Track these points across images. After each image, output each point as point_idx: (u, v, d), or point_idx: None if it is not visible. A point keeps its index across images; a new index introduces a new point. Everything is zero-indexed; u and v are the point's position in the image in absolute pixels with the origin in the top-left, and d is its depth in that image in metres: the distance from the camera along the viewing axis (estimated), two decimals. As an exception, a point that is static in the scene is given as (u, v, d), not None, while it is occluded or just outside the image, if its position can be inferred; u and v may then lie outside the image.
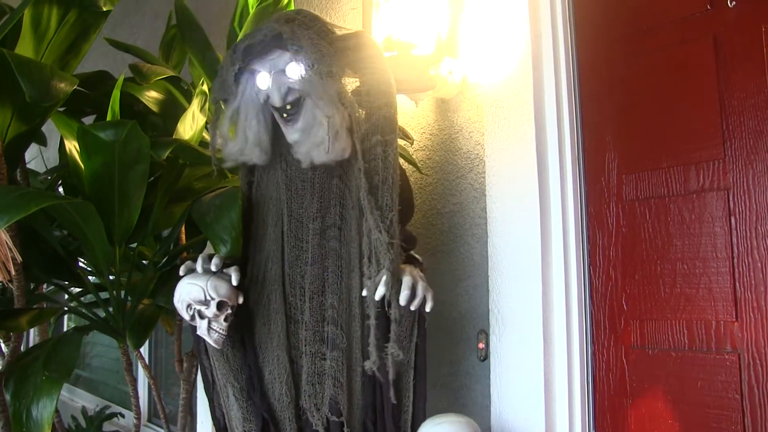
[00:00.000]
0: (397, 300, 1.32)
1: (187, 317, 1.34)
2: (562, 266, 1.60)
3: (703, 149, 1.46)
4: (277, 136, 1.46)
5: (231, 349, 1.43)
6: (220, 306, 1.32)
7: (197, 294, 1.32)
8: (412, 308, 1.34)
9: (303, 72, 1.36)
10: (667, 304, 1.50)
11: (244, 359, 1.44)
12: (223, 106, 1.45)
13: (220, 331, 1.33)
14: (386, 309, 1.33)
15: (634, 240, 1.56)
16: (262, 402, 1.42)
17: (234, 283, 1.35)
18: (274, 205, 1.49)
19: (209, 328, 1.33)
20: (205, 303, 1.32)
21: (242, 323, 1.44)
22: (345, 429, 1.39)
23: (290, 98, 1.38)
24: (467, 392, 1.74)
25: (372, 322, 1.33)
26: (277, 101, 1.38)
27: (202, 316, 1.33)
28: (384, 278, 1.32)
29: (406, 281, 1.34)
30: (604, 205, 1.61)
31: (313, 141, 1.37)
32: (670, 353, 1.48)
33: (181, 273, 1.37)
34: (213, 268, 1.35)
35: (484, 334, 1.70)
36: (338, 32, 1.44)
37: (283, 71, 1.38)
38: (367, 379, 1.41)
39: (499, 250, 1.68)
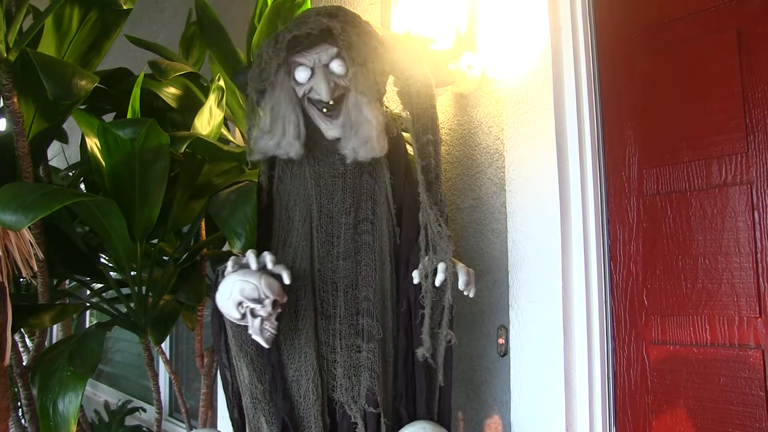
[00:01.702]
0: (456, 286, 1.38)
1: (237, 316, 1.30)
2: (582, 261, 1.59)
3: (726, 143, 1.44)
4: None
5: (255, 349, 1.41)
6: (274, 305, 1.30)
7: (251, 292, 1.28)
8: (466, 293, 1.41)
9: (352, 68, 1.36)
10: (688, 300, 1.48)
11: (268, 359, 1.43)
12: (254, 99, 1.45)
13: (273, 330, 1.31)
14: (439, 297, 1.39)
15: (655, 235, 1.54)
16: (284, 403, 1.41)
17: (287, 281, 1.32)
18: (302, 200, 1.48)
19: (261, 327, 1.30)
20: (260, 301, 1.29)
21: None
22: (382, 419, 1.41)
23: (336, 93, 1.39)
24: (487, 387, 1.74)
25: (427, 311, 1.37)
26: (325, 95, 1.38)
27: (254, 315, 1.29)
28: (443, 266, 1.36)
29: (463, 268, 1.40)
30: (624, 199, 1.60)
31: (361, 138, 1.39)
32: (692, 349, 1.47)
33: (229, 269, 1.32)
34: (269, 264, 1.32)
35: (504, 329, 1.69)
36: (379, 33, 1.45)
37: (327, 66, 1.38)
38: (401, 368, 1.44)
39: (518, 246, 1.67)
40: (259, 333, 1.30)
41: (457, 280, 1.40)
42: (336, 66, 1.39)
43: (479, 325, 1.77)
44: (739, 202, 1.41)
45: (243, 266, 1.33)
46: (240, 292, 1.28)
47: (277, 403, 1.41)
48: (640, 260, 1.56)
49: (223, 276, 1.35)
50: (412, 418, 1.45)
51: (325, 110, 1.41)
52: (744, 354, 1.39)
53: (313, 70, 1.40)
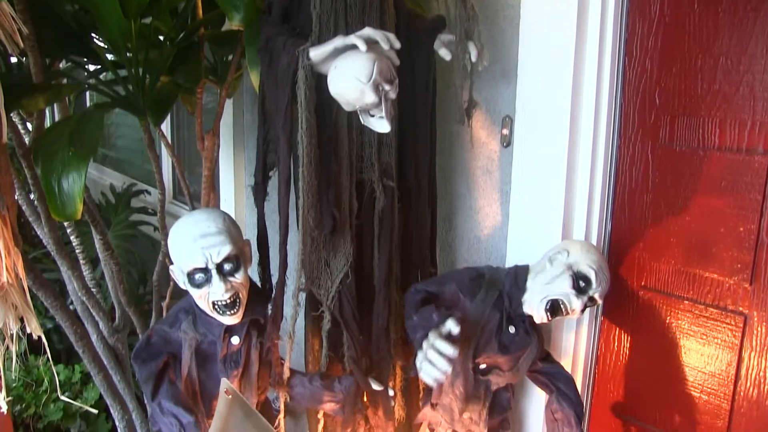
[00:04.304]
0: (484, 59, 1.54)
1: (375, 99, 1.24)
2: (596, 54, 1.52)
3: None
4: None
5: (316, 140, 1.39)
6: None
7: (387, 72, 1.23)
8: (480, 68, 1.57)
9: None
10: (702, 101, 1.43)
11: (323, 151, 1.42)
12: None
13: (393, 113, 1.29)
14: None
15: (676, 30, 1.45)
16: (335, 199, 1.44)
17: (396, 63, 1.30)
18: None
19: (388, 110, 1.27)
20: (391, 82, 1.24)
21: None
22: (396, 192, 1.52)
23: None
24: (488, 177, 1.75)
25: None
26: None
27: (387, 98, 1.25)
28: (472, 44, 1.51)
29: (486, 52, 1.56)
30: (648, -10, 1.49)
31: None
32: (698, 152, 1.45)
33: (362, 48, 1.23)
34: (397, 44, 1.27)
35: (509, 120, 1.66)
36: None
37: None
38: (409, 144, 1.54)
39: (531, 34, 1.59)
40: (389, 117, 1.27)
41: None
42: None
43: (483, 115, 1.73)
44: (776, -4, 1.31)
45: (347, 47, 1.26)
46: (379, 73, 1.22)
47: (329, 198, 1.43)
48: (656, 57, 1.49)
49: (308, 58, 1.29)
50: (418, 190, 1.58)
51: None
52: (750, 159, 1.38)
53: None
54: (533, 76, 1.60)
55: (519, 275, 1.47)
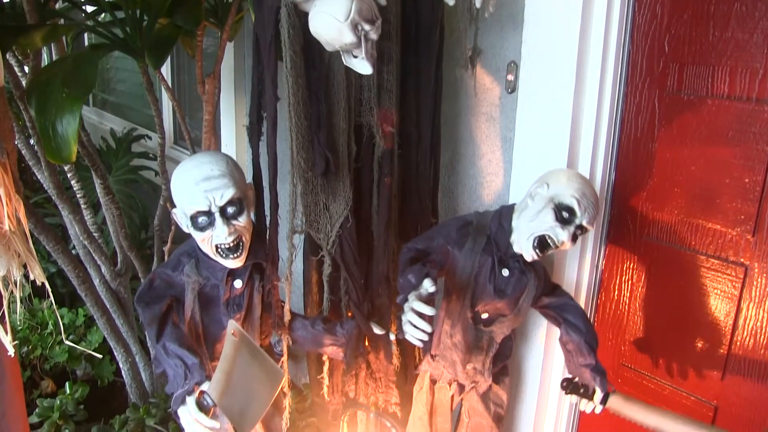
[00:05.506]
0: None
1: (353, 39, 1.22)
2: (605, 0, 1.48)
3: None
4: None
5: (305, 82, 1.37)
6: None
7: (368, 12, 1.20)
8: (486, 15, 1.51)
9: None
10: (713, 49, 1.40)
11: (312, 91, 1.40)
12: None
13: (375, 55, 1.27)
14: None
15: (689, -26, 1.42)
16: (328, 140, 1.42)
17: (383, 2, 1.27)
18: None
19: (370, 51, 1.24)
20: (373, 22, 1.21)
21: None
22: (395, 137, 1.50)
23: None
24: (492, 123, 1.73)
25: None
26: None
27: (367, 39, 1.23)
28: None
29: None
30: (662, -69, 1.44)
31: None
32: (706, 101, 1.43)
33: None
34: None
35: (515, 65, 1.63)
36: None
37: None
38: (411, 90, 1.52)
39: (539, -21, 1.55)
40: (369, 58, 1.25)
41: None
42: None
43: (488, 60, 1.70)
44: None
45: None
46: (358, 12, 1.19)
47: (320, 140, 1.41)
48: (667, 2, 1.45)
49: None
50: (418, 137, 1.56)
51: None
52: (760, 108, 1.35)
53: None
54: (540, 21, 1.56)
55: (503, 217, 1.45)
